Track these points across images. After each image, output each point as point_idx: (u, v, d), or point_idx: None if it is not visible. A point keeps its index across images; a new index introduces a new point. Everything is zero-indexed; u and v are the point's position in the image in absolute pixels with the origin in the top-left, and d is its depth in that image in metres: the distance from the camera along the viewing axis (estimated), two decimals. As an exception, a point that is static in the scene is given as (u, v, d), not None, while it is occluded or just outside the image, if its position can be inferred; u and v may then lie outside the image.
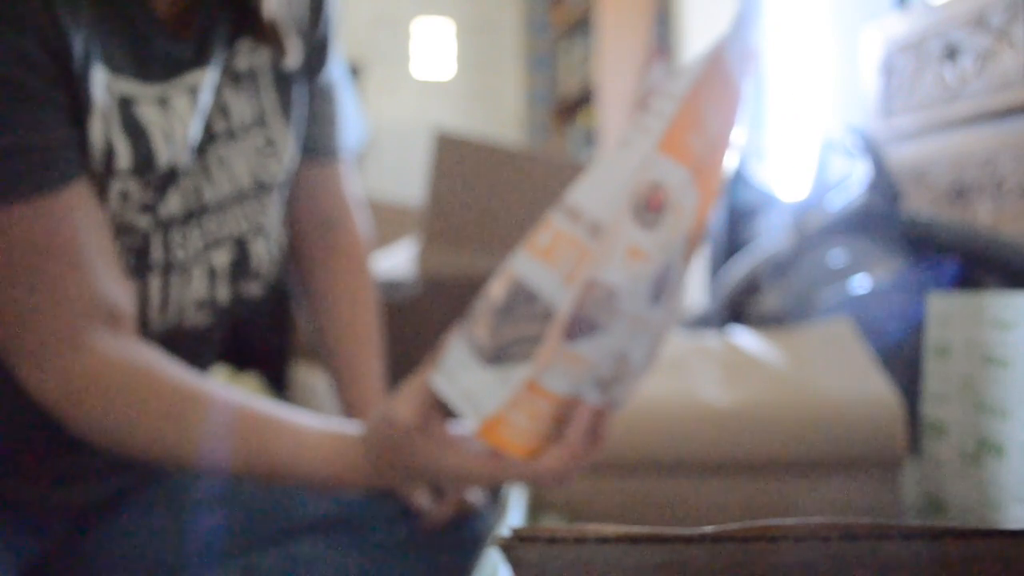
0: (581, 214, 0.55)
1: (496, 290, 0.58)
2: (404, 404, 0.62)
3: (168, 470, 0.86)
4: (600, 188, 0.55)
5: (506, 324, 0.57)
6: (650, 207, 0.53)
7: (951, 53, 1.34)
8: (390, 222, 2.01)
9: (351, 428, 0.67)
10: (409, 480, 0.66)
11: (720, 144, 0.55)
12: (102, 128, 0.66)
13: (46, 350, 0.64)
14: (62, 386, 0.65)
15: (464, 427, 0.62)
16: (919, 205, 1.36)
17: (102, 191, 0.67)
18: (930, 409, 0.82)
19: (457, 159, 1.60)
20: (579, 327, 0.54)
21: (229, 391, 0.68)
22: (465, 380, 0.58)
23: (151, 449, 0.67)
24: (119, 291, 0.67)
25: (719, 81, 0.54)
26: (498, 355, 0.57)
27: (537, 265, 0.56)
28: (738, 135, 0.56)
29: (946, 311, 0.81)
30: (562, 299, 0.54)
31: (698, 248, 0.57)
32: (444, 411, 0.62)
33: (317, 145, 0.88)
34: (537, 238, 0.56)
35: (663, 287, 0.55)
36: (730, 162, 0.57)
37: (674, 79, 0.55)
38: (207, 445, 0.66)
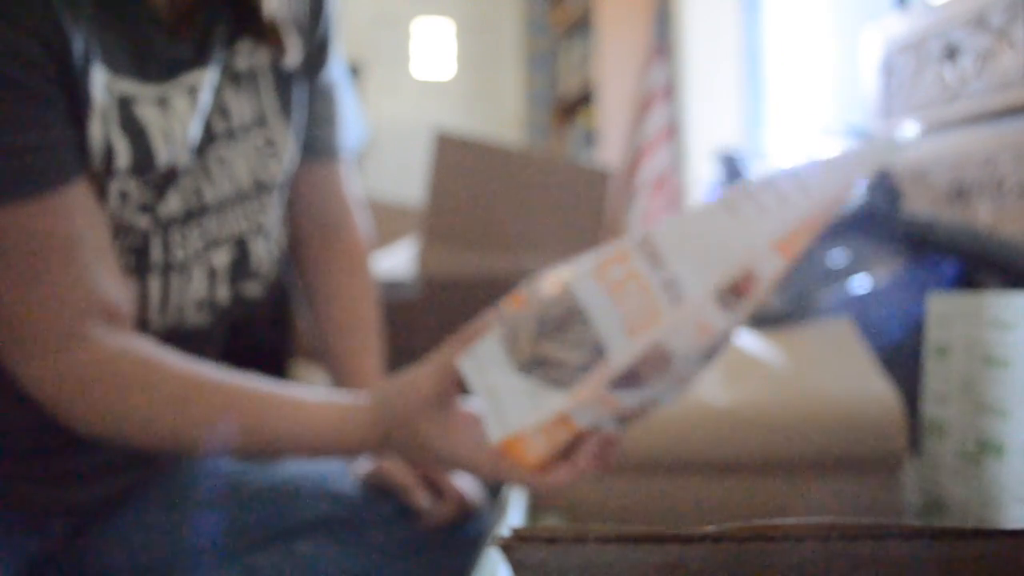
0: (663, 264, 0.53)
1: (549, 295, 0.56)
2: (428, 376, 0.62)
3: (167, 470, 0.86)
4: (691, 248, 0.52)
5: (550, 337, 0.56)
6: (737, 292, 0.52)
7: (951, 53, 1.34)
8: (390, 222, 2.01)
9: (356, 397, 0.67)
10: (413, 453, 0.64)
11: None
12: (101, 128, 0.66)
13: (43, 347, 0.65)
14: (59, 381, 0.65)
15: (478, 413, 0.61)
16: (919, 205, 1.36)
17: (101, 190, 0.67)
18: (930, 409, 0.82)
19: (457, 159, 1.60)
20: (627, 380, 0.54)
21: (227, 373, 0.68)
22: (493, 376, 0.58)
23: (151, 436, 0.67)
24: (117, 289, 0.67)
25: (836, 186, 0.51)
26: (533, 366, 0.56)
27: (601, 295, 0.54)
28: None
29: (946, 311, 0.81)
30: (618, 345, 0.53)
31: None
32: (462, 389, 0.62)
33: (317, 145, 0.88)
34: (610, 268, 0.54)
35: (713, 353, 0.54)
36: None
37: (806, 171, 0.52)
38: (208, 426, 0.65)
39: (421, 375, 0.62)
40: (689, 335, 0.52)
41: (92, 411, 0.66)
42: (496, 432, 0.57)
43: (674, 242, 0.53)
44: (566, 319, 0.55)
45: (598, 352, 0.54)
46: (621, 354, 0.53)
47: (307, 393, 0.68)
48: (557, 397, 0.55)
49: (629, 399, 0.55)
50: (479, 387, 0.59)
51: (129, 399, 0.66)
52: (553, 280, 0.57)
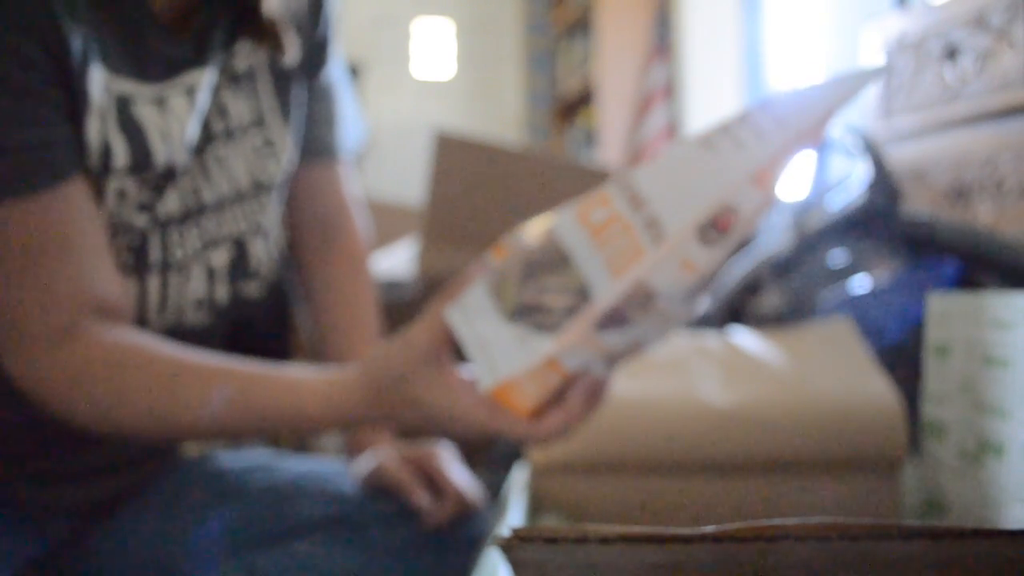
0: (643, 204, 0.53)
1: (532, 242, 0.57)
2: (418, 333, 0.61)
3: (167, 470, 0.86)
4: (671, 186, 0.53)
5: (535, 284, 0.56)
6: (717, 227, 0.52)
7: (951, 53, 1.34)
8: (390, 222, 2.01)
9: (345, 367, 0.67)
10: (405, 412, 0.63)
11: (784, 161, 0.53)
12: (99, 127, 0.66)
13: (37, 343, 0.65)
14: (52, 374, 0.65)
15: (472, 374, 0.61)
16: (919, 205, 1.36)
17: (99, 189, 0.67)
18: (930, 409, 0.82)
19: (457, 159, 1.60)
20: (612, 320, 0.54)
21: (218, 357, 0.68)
22: (481, 326, 0.58)
23: (144, 422, 0.66)
24: (113, 287, 0.68)
25: (816, 119, 0.52)
26: (520, 313, 0.57)
27: (584, 238, 0.55)
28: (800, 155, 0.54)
29: (946, 311, 0.81)
30: (603, 287, 0.54)
31: (739, 249, 0.57)
32: (455, 350, 0.61)
33: (316, 146, 0.88)
34: (591, 211, 0.55)
35: (698, 291, 0.55)
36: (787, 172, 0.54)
37: (783, 104, 0.53)
38: (200, 407, 0.65)
39: (412, 333, 0.62)
40: (672, 272, 0.53)
41: (85, 401, 0.66)
42: (487, 380, 0.58)
43: (654, 182, 0.54)
44: (550, 264, 0.56)
45: (583, 295, 0.54)
46: (605, 295, 0.54)
47: (297, 368, 0.67)
48: (545, 342, 0.56)
49: (615, 339, 0.55)
50: (467, 337, 0.59)
51: (120, 384, 0.66)
52: (536, 228, 0.57)
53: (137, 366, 0.66)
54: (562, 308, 0.55)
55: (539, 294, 0.56)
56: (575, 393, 0.59)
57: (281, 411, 0.65)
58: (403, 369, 0.61)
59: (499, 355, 0.57)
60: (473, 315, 0.59)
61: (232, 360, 0.68)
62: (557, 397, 0.59)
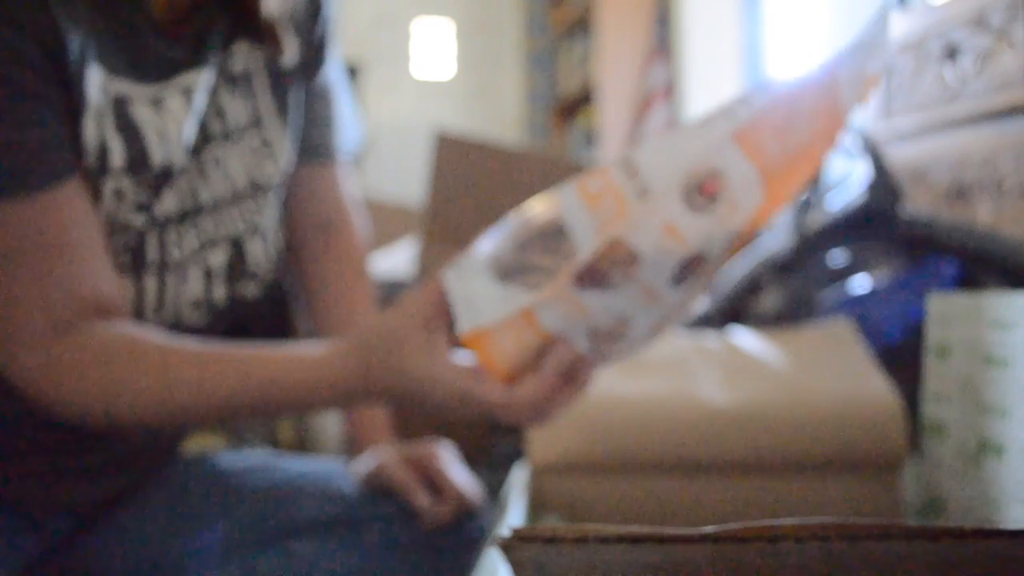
0: (637, 173, 0.54)
1: (540, 213, 0.58)
2: (415, 299, 0.61)
3: (167, 470, 0.86)
4: (662, 155, 0.54)
5: (531, 248, 0.57)
6: (703, 191, 0.53)
7: (951, 53, 1.34)
8: (390, 222, 2.01)
9: (341, 337, 0.67)
10: (392, 378, 0.62)
11: (804, 159, 0.54)
12: (96, 127, 0.66)
13: (33, 341, 0.65)
14: (47, 369, 0.65)
15: (457, 331, 0.61)
16: (919, 205, 1.36)
17: (96, 190, 0.67)
18: (930, 409, 0.82)
19: (457, 159, 1.60)
20: (591, 278, 0.55)
21: (209, 342, 0.68)
22: (472, 285, 0.59)
23: (139, 409, 0.66)
24: (110, 287, 0.68)
25: (823, 97, 0.53)
26: (511, 273, 0.57)
27: (582, 207, 0.56)
28: (828, 158, 0.54)
29: (946, 311, 0.81)
30: (587, 245, 0.55)
31: (744, 249, 0.57)
32: (449, 323, 0.61)
33: (314, 147, 0.88)
34: (591, 182, 0.56)
35: (690, 273, 0.55)
36: (809, 180, 0.55)
37: (782, 83, 0.54)
38: (193, 390, 0.65)
39: (407, 299, 0.62)
40: (654, 234, 0.53)
41: (80, 393, 0.66)
42: (464, 324, 0.58)
43: (648, 153, 0.55)
44: (548, 231, 0.57)
45: (570, 255, 0.56)
46: (586, 248, 0.55)
47: (289, 346, 0.67)
48: (524, 295, 0.57)
49: (595, 303, 0.56)
50: (456, 293, 0.59)
51: (113, 372, 0.66)
52: (541, 202, 0.58)
53: (129, 353, 0.66)
54: (551, 268, 0.56)
55: (532, 257, 0.57)
56: (551, 360, 0.58)
57: (275, 380, 0.65)
58: (394, 333, 0.61)
59: (481, 305, 0.58)
60: (467, 275, 0.59)
61: (223, 343, 0.68)
62: (535, 365, 0.59)
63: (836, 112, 0.53)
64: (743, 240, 0.55)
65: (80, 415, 0.67)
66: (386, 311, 0.64)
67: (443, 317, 0.61)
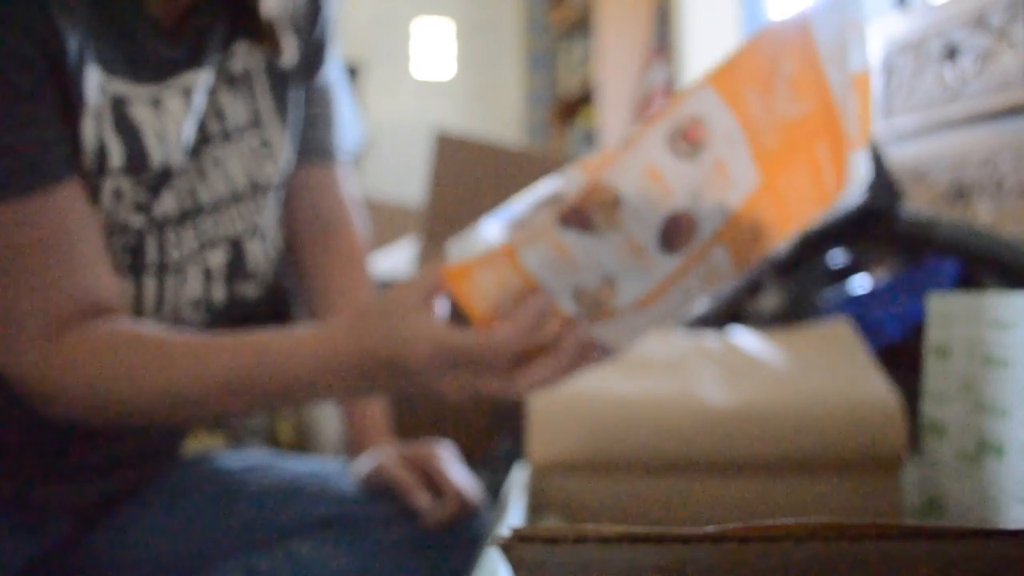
0: (635, 145, 0.56)
1: (540, 190, 0.59)
2: (417, 277, 0.62)
3: (168, 470, 0.86)
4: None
5: (532, 211, 0.59)
6: (687, 137, 0.53)
7: (951, 53, 1.34)
8: (390, 222, 2.01)
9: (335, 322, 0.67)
10: (387, 347, 0.61)
11: (800, 147, 0.52)
12: (95, 127, 0.66)
13: (30, 340, 0.65)
14: (45, 368, 0.65)
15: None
16: (919, 205, 1.36)
17: (95, 190, 0.67)
18: (930, 409, 0.82)
19: (457, 159, 1.60)
20: (574, 218, 0.56)
21: (209, 335, 0.68)
22: (472, 245, 0.60)
23: (140, 401, 0.66)
24: (108, 288, 0.68)
25: (800, 54, 0.51)
26: (508, 232, 0.59)
27: (581, 175, 0.57)
28: (830, 163, 0.52)
29: (946, 311, 0.81)
30: (575, 190, 0.56)
31: (753, 262, 0.56)
32: (454, 316, 0.62)
33: (314, 147, 0.88)
34: (594, 159, 0.58)
35: (679, 238, 0.55)
36: (834, 186, 0.52)
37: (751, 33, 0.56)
38: (192, 383, 0.65)
39: (409, 278, 0.63)
40: (637, 177, 0.54)
41: (80, 387, 0.66)
42: (451, 260, 0.59)
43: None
44: (548, 200, 0.58)
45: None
46: (570, 189, 0.56)
47: (285, 330, 0.67)
48: (511, 235, 0.58)
49: (579, 248, 0.56)
50: (454, 252, 0.60)
51: (110, 366, 0.66)
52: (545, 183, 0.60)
53: (128, 344, 0.66)
54: (543, 220, 0.57)
55: (532, 218, 0.58)
56: (526, 308, 0.58)
57: (274, 368, 0.64)
58: (391, 302, 0.62)
59: (471, 249, 0.59)
60: (469, 244, 0.60)
61: (222, 335, 0.68)
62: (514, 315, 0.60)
63: (818, 78, 0.51)
64: (744, 239, 0.55)
65: (81, 411, 0.67)
66: (384, 293, 0.64)
67: (440, 292, 0.61)
